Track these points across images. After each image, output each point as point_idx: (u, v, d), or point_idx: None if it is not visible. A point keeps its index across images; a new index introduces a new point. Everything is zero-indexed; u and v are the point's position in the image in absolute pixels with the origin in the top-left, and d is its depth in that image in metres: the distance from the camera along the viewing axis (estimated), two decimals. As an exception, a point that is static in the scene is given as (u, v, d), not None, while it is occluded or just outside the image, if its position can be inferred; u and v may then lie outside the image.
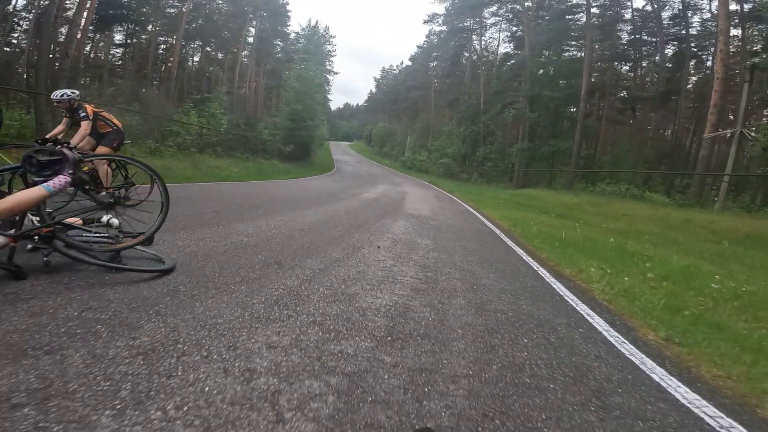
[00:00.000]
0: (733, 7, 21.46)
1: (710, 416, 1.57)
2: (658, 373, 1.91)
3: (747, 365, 1.95)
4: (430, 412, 1.41)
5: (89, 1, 19.04)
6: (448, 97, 39.21)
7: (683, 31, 25.74)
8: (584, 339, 2.26)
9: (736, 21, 21.65)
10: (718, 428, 1.49)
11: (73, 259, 2.25)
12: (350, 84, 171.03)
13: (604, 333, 2.40)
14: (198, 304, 2.07)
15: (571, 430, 1.42)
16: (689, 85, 26.12)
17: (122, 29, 25.76)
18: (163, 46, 27.97)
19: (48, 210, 2.29)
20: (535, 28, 29.52)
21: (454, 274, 3.36)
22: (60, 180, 2.11)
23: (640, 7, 27.61)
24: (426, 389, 1.55)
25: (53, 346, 1.50)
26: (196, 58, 30.21)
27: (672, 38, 26.72)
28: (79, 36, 22.63)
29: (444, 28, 38.21)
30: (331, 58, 42.31)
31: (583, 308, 2.83)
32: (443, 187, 20.47)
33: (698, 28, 25.09)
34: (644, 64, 29.15)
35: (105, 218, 2.93)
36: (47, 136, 4.20)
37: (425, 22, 39.14)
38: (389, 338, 1.94)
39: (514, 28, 33.43)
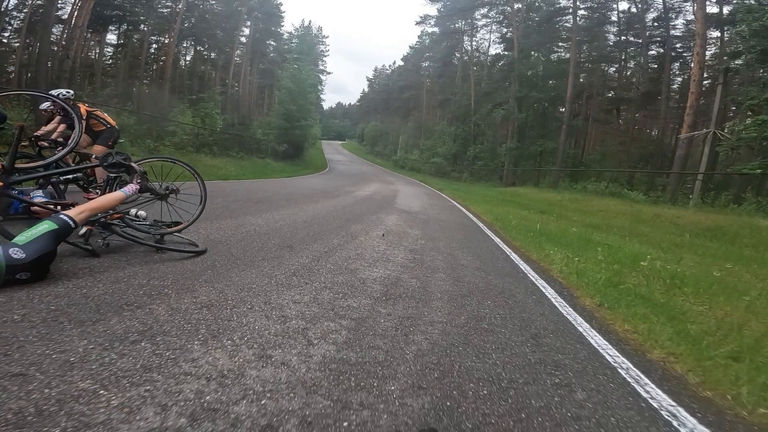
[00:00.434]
0: (715, 9, 22.42)
1: (610, 355, 2.18)
2: (584, 327, 2.54)
3: (652, 324, 2.57)
4: (414, 341, 2.01)
5: (87, 3, 19.18)
6: (439, 97, 39.92)
7: (665, 34, 26.67)
8: (535, 302, 2.89)
9: (715, 26, 22.60)
10: (612, 363, 2.10)
11: (131, 240, 2.81)
12: (342, 83, 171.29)
13: (552, 299, 3.03)
14: (234, 274, 2.65)
15: (511, 356, 2.02)
16: (675, 85, 27.13)
17: (114, 29, 25.89)
18: (155, 46, 28.10)
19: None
20: (525, 30, 30.28)
21: (437, 257, 3.97)
22: (132, 187, 2.72)
23: (626, 9, 28.53)
24: (411, 329, 2.15)
25: (139, 303, 2.06)
26: (188, 57, 30.39)
27: (656, 40, 27.63)
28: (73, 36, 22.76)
29: (436, 29, 38.90)
30: (324, 58, 42.69)
31: (540, 282, 3.47)
32: (434, 185, 21.13)
33: (683, 30, 25.95)
34: (631, 64, 30.13)
35: (133, 211, 3.47)
36: (38, 133, 4.49)
37: (417, 23, 39.84)
38: (384, 298, 2.54)
39: (504, 30, 34.25)
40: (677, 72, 27.33)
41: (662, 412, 1.61)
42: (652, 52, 27.92)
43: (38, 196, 3.37)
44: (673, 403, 1.68)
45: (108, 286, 2.22)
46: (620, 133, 29.13)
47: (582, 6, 28.93)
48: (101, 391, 1.28)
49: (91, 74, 24.44)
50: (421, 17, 40.78)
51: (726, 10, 21.94)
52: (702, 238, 7.79)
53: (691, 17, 25.34)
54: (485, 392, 1.62)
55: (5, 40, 22.99)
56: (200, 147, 19.39)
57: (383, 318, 2.23)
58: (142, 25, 24.63)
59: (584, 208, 12.00)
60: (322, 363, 1.67)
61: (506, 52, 33.51)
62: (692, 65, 21.02)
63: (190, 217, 3.33)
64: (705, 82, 21.83)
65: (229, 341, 1.77)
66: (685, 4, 25.36)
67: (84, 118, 4.50)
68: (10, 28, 23.13)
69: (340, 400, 1.43)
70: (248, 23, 30.34)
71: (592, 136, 30.79)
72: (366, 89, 70.52)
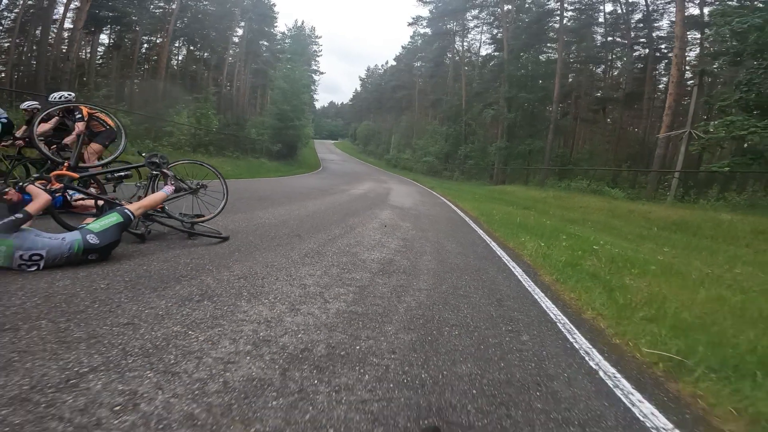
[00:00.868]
0: (696, 11, 23.30)
1: (554, 314, 2.78)
2: (540, 295, 3.15)
3: (592, 294, 3.18)
4: (404, 301, 2.60)
5: (84, 5, 19.39)
6: (431, 97, 40.51)
7: (650, 35, 27.55)
8: (503, 278, 3.52)
9: (696, 28, 23.47)
10: (554, 319, 2.70)
11: (169, 227, 3.37)
12: (335, 82, 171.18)
13: (518, 276, 3.65)
14: (257, 255, 3.22)
15: (478, 312, 2.62)
16: (661, 85, 28.01)
17: (107, 30, 25.98)
18: (146, 46, 28.20)
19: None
20: (514, 31, 31.00)
21: (426, 244, 4.58)
22: (169, 188, 3.36)
23: (613, 11, 29.37)
24: (402, 293, 2.74)
25: (190, 276, 2.62)
26: (179, 57, 30.49)
27: (640, 41, 28.52)
28: (64, 37, 22.89)
29: (428, 30, 39.51)
30: (317, 58, 43.02)
31: (511, 264, 4.10)
32: (426, 184, 21.76)
33: (668, 32, 26.72)
34: (619, 64, 31.03)
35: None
36: (36, 134, 4.58)
37: (410, 24, 40.41)
38: (381, 272, 3.13)
39: (495, 31, 34.99)
40: (663, 72, 28.17)
41: (580, 351, 2.22)
42: (638, 52, 28.81)
43: (74, 194, 3.91)
44: (590, 346, 2.28)
45: (161, 264, 2.78)
46: (607, 132, 30.03)
47: (570, 8, 29.77)
48: (189, 332, 1.85)
49: (81, 74, 24.53)
50: (414, 18, 41.41)
51: (707, 11, 22.78)
52: (668, 230, 8.53)
53: (674, 18, 26.20)
54: (456, 333, 2.22)
55: (-3, 40, 23.01)
56: (197, 147, 19.76)
57: (381, 286, 2.82)
58: (136, 26, 24.75)
59: (566, 205, 12.74)
60: (336, 313, 2.26)
61: (496, 53, 34.28)
62: (671, 67, 21.89)
63: (212, 210, 3.89)
64: (690, 82, 22.58)
65: (267, 300, 2.35)
66: (669, 5, 26.20)
67: (86, 119, 4.58)
68: (0, 28, 23.13)
69: (352, 335, 2.02)
70: (242, 23, 30.60)
71: (580, 136, 31.68)
72: (358, 89, 71.02)
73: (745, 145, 14.18)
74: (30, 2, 22.41)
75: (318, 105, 61.87)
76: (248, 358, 1.67)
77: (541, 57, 31.31)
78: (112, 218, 2.75)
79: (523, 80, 29.53)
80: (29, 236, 2.34)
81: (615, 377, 1.91)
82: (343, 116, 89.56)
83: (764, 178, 13.87)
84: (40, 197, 2.59)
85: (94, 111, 4.94)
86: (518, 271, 3.81)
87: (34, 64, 24.10)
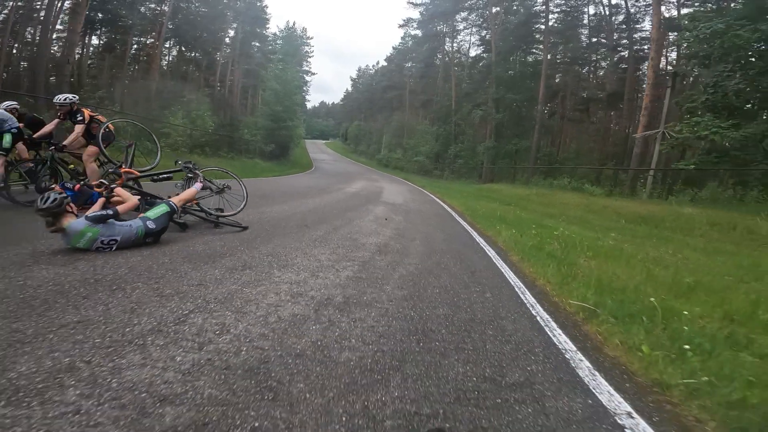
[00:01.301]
0: (674, 12, 24.35)
1: (513, 282, 3.53)
2: (506, 269, 3.92)
3: (547, 268, 3.93)
4: (398, 271, 3.33)
5: (83, 8, 19.68)
6: (422, 97, 41.31)
7: (630, 37, 28.66)
8: (478, 257, 4.29)
9: (674, 30, 24.54)
10: (512, 284, 3.45)
11: (202, 218, 4.06)
12: (326, 82, 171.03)
13: (491, 256, 4.43)
14: (276, 240, 3.92)
15: (455, 279, 3.37)
16: (643, 86, 29.08)
17: (98, 32, 26.15)
18: (135, 46, 28.38)
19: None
20: (502, 33, 31.90)
21: (415, 233, 5.33)
22: (199, 185, 4.04)
23: (596, 13, 30.44)
24: (396, 266, 3.48)
25: (229, 254, 3.31)
26: (169, 58, 30.70)
27: (622, 43, 29.61)
28: (52, 35, 23.02)
29: (419, 32, 40.29)
30: (309, 59, 43.49)
31: (487, 248, 4.87)
32: (416, 183, 22.54)
33: (648, 34, 27.73)
34: (604, 65, 32.14)
35: None
36: (35, 136, 4.79)
37: (401, 26, 41.15)
38: (378, 252, 3.87)
39: (484, 32, 35.91)
40: (644, 73, 29.20)
41: (527, 304, 2.97)
42: (622, 53, 29.87)
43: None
44: (535, 302, 3.03)
45: (203, 246, 3.47)
46: (593, 132, 31.11)
47: (556, 9, 30.79)
48: (244, 289, 2.55)
49: (72, 75, 24.67)
50: (404, 20, 42.19)
51: (685, 11, 23.76)
52: (634, 223, 9.44)
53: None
54: (437, 291, 2.96)
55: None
56: (193, 148, 20.21)
57: (379, 261, 3.56)
58: (131, 28, 24.98)
59: (547, 202, 13.64)
60: (347, 278, 2.99)
61: (485, 54, 35.19)
62: (648, 69, 22.96)
63: (233, 207, 4.60)
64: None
65: (293, 269, 3.06)
66: (649, 8, 27.21)
67: (87, 122, 4.78)
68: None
69: (360, 291, 2.75)
70: (234, 25, 30.95)
71: (568, 135, 32.73)
72: (350, 89, 71.38)
73: (704, 144, 15.19)
74: (20, 3, 22.51)
75: (309, 105, 62.23)
76: (290, 303, 2.39)
77: (529, 58, 32.25)
78: (162, 208, 3.43)
79: (511, 81, 30.40)
80: (110, 225, 3.01)
81: (547, 320, 2.67)
82: (334, 116, 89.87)
83: (734, 174, 14.95)
84: (130, 201, 3.28)
85: (94, 114, 5.07)
86: (491, 253, 4.59)
87: (23, 65, 24.22)
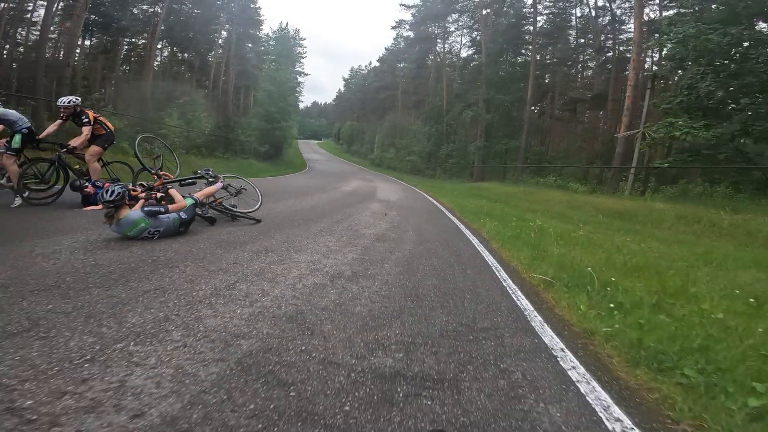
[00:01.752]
0: (656, 14, 25.25)
1: (491, 263, 4.20)
2: (486, 253, 4.59)
3: (522, 253, 4.60)
4: (395, 254, 3.97)
5: (82, 12, 19.92)
6: (414, 98, 41.94)
7: (615, 38, 29.62)
8: (463, 244, 4.95)
9: (656, 34, 25.42)
10: (491, 264, 4.13)
11: (219, 212, 4.68)
12: (318, 82, 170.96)
13: (475, 243, 5.10)
14: (287, 231, 4.53)
15: (442, 260, 4.01)
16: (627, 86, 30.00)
17: (89, 34, 26.26)
18: (126, 47, 28.51)
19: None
20: (492, 35, 32.64)
21: (408, 226, 5.98)
22: (219, 184, 4.61)
23: (583, 14, 31.34)
24: (393, 250, 4.11)
25: (251, 241, 3.92)
26: (160, 59, 30.83)
27: (609, 45, 30.55)
28: (45, 34, 23.11)
29: (411, 33, 40.90)
30: (302, 60, 43.86)
31: (472, 237, 5.54)
32: (409, 182, 23.23)
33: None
34: (592, 65, 33.07)
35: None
36: (40, 136, 4.93)
37: (393, 27, 41.70)
38: (377, 240, 4.51)
39: (475, 34, 36.66)
40: (629, 74, 30.14)
41: (500, 278, 3.63)
42: (609, 53, 30.80)
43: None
44: (506, 276, 3.69)
45: (227, 235, 4.07)
46: (581, 131, 32.02)
47: (545, 11, 31.66)
48: (271, 266, 3.17)
49: (59, 77, 24.78)
50: (397, 22, 42.88)
51: (669, 13, 24.63)
52: (610, 217, 10.22)
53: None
54: (427, 269, 3.60)
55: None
56: (190, 149, 20.58)
57: (378, 246, 4.20)
58: (127, 32, 25.19)
59: (533, 199, 14.42)
60: (352, 258, 3.62)
61: (476, 55, 35.93)
62: (629, 70, 23.85)
63: (246, 206, 5.20)
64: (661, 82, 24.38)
65: (307, 252, 3.68)
66: (633, 10, 28.08)
67: (92, 123, 4.96)
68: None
69: (365, 268, 3.38)
70: (227, 26, 31.23)
71: (557, 134, 33.60)
72: (342, 89, 71.73)
73: (676, 144, 16.05)
74: (11, 5, 22.58)
75: (301, 105, 62.46)
76: (310, 276, 3.01)
77: (519, 59, 33.01)
78: (189, 201, 4.02)
79: (501, 82, 31.16)
80: (158, 218, 3.59)
81: (514, 289, 3.33)
82: (326, 116, 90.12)
83: (706, 172, 15.86)
84: (181, 201, 3.85)
85: (97, 115, 5.20)
86: (475, 241, 5.26)
87: (15, 67, 24.27)
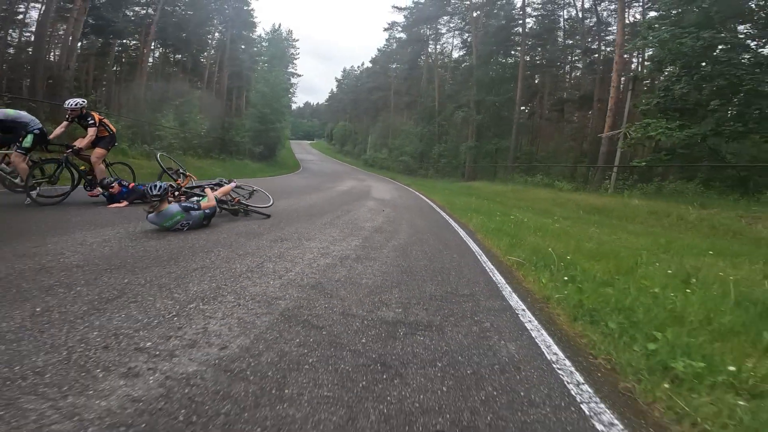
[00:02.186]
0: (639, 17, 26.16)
1: (475, 250, 4.86)
2: (471, 243, 5.25)
3: (501, 242, 5.28)
4: (391, 242, 4.61)
5: (81, 15, 20.19)
6: (406, 98, 42.53)
7: (600, 40, 30.56)
8: (451, 235, 5.62)
9: (638, 36, 26.33)
10: (474, 251, 4.79)
11: (233, 208, 5.27)
12: (311, 83, 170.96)
13: (461, 235, 5.77)
14: (295, 224, 5.15)
15: (432, 248, 4.66)
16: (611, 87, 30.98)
17: (81, 36, 26.39)
18: (118, 49, 28.65)
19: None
20: (483, 37, 33.39)
21: (402, 220, 6.63)
22: (233, 184, 5.18)
23: (570, 16, 32.25)
24: (389, 239, 4.76)
25: (266, 232, 4.52)
26: (153, 59, 30.96)
27: (595, 47, 31.48)
28: (43, 36, 23.26)
29: (403, 35, 41.52)
30: (295, 61, 44.21)
31: (459, 230, 6.21)
32: (402, 181, 23.90)
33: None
34: (580, 66, 33.97)
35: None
36: (50, 137, 5.12)
37: (386, 29, 42.21)
38: (375, 231, 5.15)
39: (466, 35, 37.41)
40: (612, 76, 31.11)
41: (480, 261, 4.29)
42: (595, 55, 31.74)
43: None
44: (486, 260, 4.35)
45: (244, 227, 4.67)
46: (569, 131, 32.88)
47: (534, 13, 32.52)
48: (289, 251, 3.78)
49: (60, 79, 24.90)
50: (389, 24, 43.54)
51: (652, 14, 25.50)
52: (590, 213, 11.00)
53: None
54: (420, 254, 4.25)
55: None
56: (186, 150, 20.94)
57: (376, 237, 4.84)
58: (124, 35, 25.41)
59: (520, 197, 15.19)
60: (356, 245, 4.25)
61: (467, 56, 36.67)
62: (613, 72, 24.74)
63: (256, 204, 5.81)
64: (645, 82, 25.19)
65: (316, 241, 4.30)
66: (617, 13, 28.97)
67: (97, 125, 5.14)
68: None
69: (367, 252, 4.01)
70: (221, 28, 31.52)
71: (546, 134, 34.44)
72: (335, 89, 71.95)
73: (653, 143, 16.89)
74: (3, 6, 22.66)
75: (294, 105, 62.73)
76: (322, 258, 3.63)
77: (509, 59, 33.76)
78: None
79: (491, 83, 31.87)
80: (191, 213, 4.18)
81: (492, 269, 3.99)
82: (318, 116, 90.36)
83: (682, 170, 16.77)
84: (212, 201, 4.44)
85: (102, 117, 5.36)
86: (462, 233, 5.93)
87: (4, 67, 24.31)
